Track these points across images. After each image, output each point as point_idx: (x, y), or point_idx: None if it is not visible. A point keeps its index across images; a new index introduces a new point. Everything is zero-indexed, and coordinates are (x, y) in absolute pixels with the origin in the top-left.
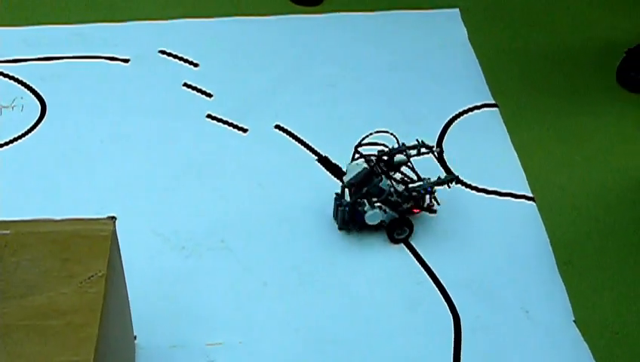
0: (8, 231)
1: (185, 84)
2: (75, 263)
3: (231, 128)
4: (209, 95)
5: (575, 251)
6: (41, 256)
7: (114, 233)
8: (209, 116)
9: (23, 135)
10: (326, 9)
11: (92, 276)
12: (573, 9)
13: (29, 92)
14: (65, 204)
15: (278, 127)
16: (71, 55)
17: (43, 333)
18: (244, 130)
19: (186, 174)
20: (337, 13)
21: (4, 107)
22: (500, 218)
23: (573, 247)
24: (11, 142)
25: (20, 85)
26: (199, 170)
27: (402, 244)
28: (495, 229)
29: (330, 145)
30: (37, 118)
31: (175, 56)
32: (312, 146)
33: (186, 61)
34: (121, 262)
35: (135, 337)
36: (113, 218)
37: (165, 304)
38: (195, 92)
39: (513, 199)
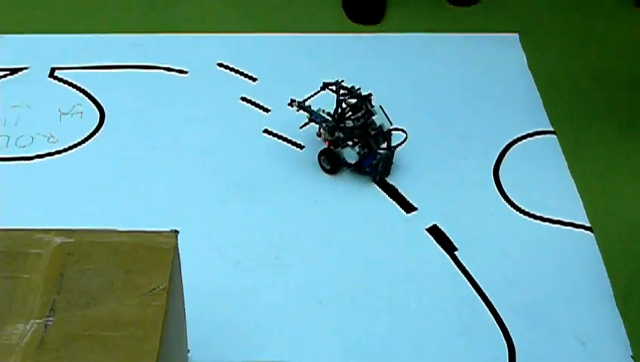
0: (72, 239)
1: (242, 98)
2: (138, 275)
3: (287, 144)
4: (266, 110)
5: (634, 285)
6: (104, 267)
7: (176, 246)
8: (266, 131)
9: (82, 142)
10: (384, 28)
11: (155, 289)
12: (636, 37)
13: (88, 99)
14: (121, 213)
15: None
16: (130, 64)
17: (105, 344)
18: (301, 147)
19: (241, 188)
20: (395, 34)
21: (63, 113)
22: (557, 246)
23: (632, 281)
24: (70, 148)
25: (79, 92)
26: (255, 184)
27: (458, 269)
28: (551, 258)
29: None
30: (96, 125)
31: (233, 70)
32: None
33: (244, 75)
34: (181, 275)
35: (188, 351)
36: (176, 231)
37: (218, 318)
38: (252, 106)
39: (570, 228)
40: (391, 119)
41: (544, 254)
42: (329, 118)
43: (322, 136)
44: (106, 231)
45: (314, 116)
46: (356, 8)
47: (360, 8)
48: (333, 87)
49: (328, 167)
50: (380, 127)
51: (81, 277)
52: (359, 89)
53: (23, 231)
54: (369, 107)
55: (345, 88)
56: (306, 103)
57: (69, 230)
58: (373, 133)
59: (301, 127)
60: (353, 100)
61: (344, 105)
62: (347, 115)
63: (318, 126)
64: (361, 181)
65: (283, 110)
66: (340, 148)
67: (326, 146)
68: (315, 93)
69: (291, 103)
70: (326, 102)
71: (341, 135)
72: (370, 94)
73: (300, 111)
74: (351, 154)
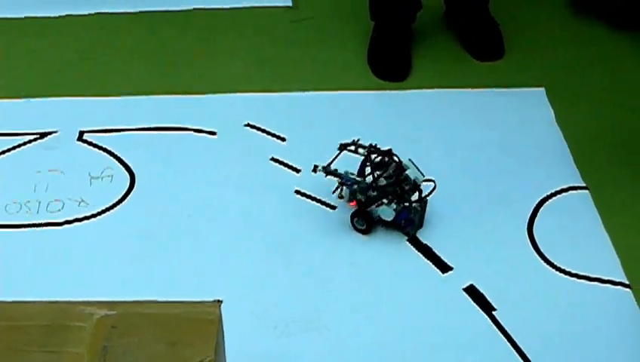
0: (115, 312)
1: (272, 159)
2: (183, 347)
3: (319, 204)
4: (297, 170)
5: None
6: (148, 339)
7: (220, 316)
8: (297, 192)
9: (113, 206)
10: (410, 85)
11: (201, 361)
12: None
13: (117, 163)
14: (154, 278)
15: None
16: (159, 126)
17: None
18: (333, 207)
19: (274, 251)
20: (421, 90)
21: (93, 177)
22: (595, 304)
23: None
24: (102, 213)
25: (109, 155)
26: (289, 246)
27: (497, 330)
28: (590, 316)
29: None
30: (126, 188)
31: (262, 130)
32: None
33: (273, 135)
34: (224, 345)
35: None
36: (219, 301)
37: None
38: (282, 167)
39: (608, 285)
40: (422, 170)
41: (583, 312)
42: (359, 179)
43: (345, 197)
44: (147, 303)
45: (345, 179)
46: (382, 65)
47: (386, 65)
48: (352, 148)
49: (363, 228)
50: (415, 180)
51: (125, 351)
52: (377, 145)
53: (65, 303)
54: (399, 162)
55: (363, 147)
56: (331, 167)
57: (111, 302)
58: (407, 187)
59: (333, 192)
60: (377, 158)
61: (368, 164)
62: (374, 173)
63: (339, 189)
64: (394, 240)
65: None
66: (374, 207)
67: (356, 208)
68: (336, 157)
69: (315, 169)
70: (346, 163)
71: (374, 194)
72: (390, 149)
73: (328, 176)
74: (387, 212)
